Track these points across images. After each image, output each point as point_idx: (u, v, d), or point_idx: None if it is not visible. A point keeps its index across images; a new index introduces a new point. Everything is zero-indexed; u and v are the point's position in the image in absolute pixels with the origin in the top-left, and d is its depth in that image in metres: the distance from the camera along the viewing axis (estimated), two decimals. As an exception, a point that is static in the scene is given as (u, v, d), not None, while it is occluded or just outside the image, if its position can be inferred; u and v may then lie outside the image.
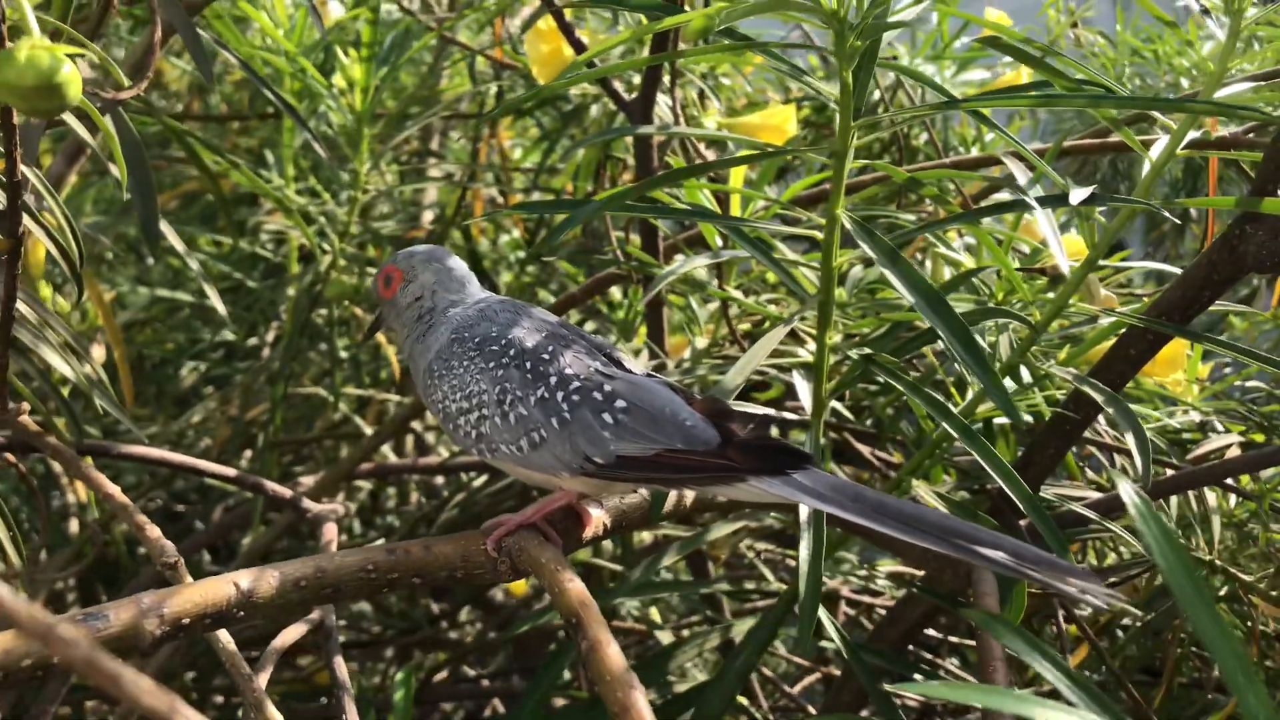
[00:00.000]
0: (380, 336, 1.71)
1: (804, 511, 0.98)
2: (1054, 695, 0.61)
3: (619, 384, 0.77)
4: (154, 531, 0.83)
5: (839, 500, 0.72)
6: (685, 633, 1.62)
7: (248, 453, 1.84)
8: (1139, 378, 1.32)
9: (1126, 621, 1.47)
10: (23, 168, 0.71)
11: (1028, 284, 1.24)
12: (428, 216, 2.04)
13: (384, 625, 2.00)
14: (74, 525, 1.73)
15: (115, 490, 0.85)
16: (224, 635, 0.82)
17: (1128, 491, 0.61)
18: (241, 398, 1.63)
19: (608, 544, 1.67)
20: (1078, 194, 0.95)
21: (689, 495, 0.92)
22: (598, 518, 0.84)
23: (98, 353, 1.61)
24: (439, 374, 0.80)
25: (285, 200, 1.46)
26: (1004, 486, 0.91)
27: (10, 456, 1.01)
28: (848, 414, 1.54)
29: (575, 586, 0.67)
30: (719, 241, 1.33)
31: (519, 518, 0.77)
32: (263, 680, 0.84)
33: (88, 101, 0.76)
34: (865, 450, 1.69)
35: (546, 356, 0.78)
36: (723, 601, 1.52)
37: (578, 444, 0.75)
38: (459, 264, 0.88)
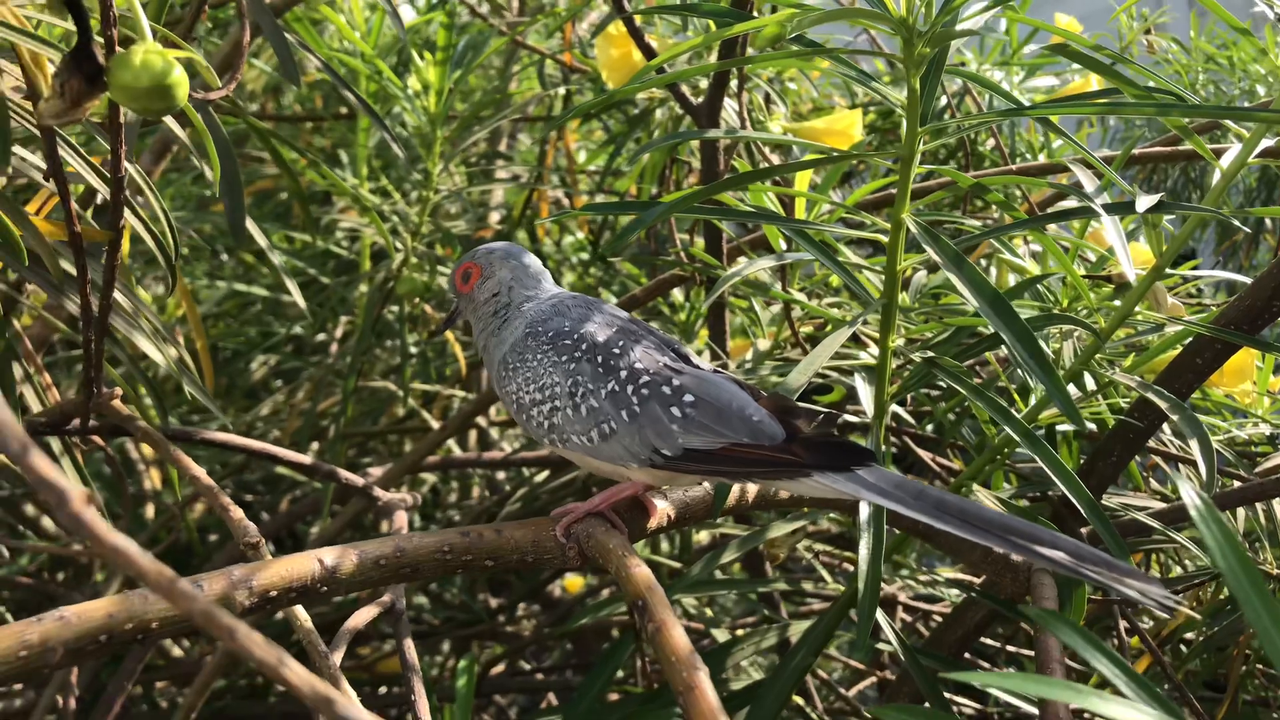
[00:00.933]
0: (448, 334, 1.74)
1: (864, 512, 0.99)
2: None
3: (687, 379, 0.79)
4: (238, 513, 0.87)
5: (901, 497, 0.74)
6: (740, 632, 1.63)
7: (315, 445, 1.89)
8: (1207, 389, 1.31)
9: (1190, 635, 1.46)
10: (125, 164, 0.75)
11: (1094, 291, 1.24)
12: (495, 217, 2.08)
13: (443, 618, 2.03)
14: (150, 511, 1.78)
15: (201, 473, 0.89)
16: (302, 614, 0.85)
17: (1189, 494, 0.61)
18: (311, 391, 1.67)
19: (666, 543, 1.69)
20: (1144, 201, 0.95)
21: (751, 490, 0.93)
22: (662, 509, 0.86)
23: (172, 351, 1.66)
24: (513, 367, 0.83)
25: (362, 199, 1.50)
26: (1066, 492, 0.92)
27: (99, 440, 1.06)
28: (909, 418, 1.54)
29: (642, 571, 0.69)
30: (783, 245, 1.35)
31: (587, 506, 0.79)
32: (337, 658, 0.87)
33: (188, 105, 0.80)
34: (926, 456, 1.70)
35: (617, 351, 0.80)
36: (779, 602, 1.53)
37: (646, 436, 0.77)
38: (534, 261, 0.91)
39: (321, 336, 2.03)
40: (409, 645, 0.95)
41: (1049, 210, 1.40)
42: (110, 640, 0.59)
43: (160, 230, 0.81)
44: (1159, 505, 1.28)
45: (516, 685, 1.95)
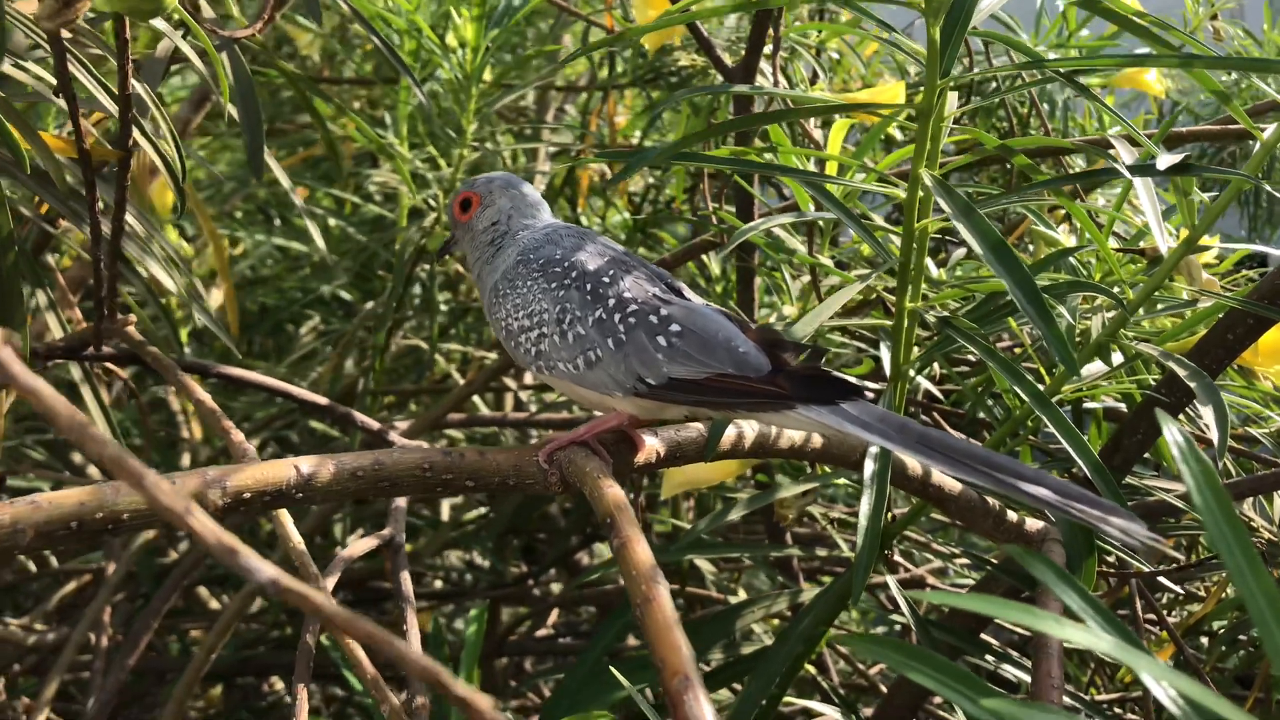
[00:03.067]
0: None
1: (868, 469, 0.98)
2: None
3: (675, 309, 0.79)
4: (238, 436, 0.88)
5: (884, 430, 0.73)
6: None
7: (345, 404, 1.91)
8: (1250, 378, 1.27)
9: (1219, 626, 1.42)
10: (134, 83, 0.76)
11: (1127, 265, 1.21)
12: (540, 184, 2.09)
13: (473, 578, 2.05)
14: (186, 459, 1.82)
15: (206, 396, 0.91)
16: (295, 536, 0.87)
17: (1172, 434, 0.59)
18: (345, 347, 1.69)
19: (689, 506, 1.69)
20: (1165, 159, 0.93)
21: (749, 434, 0.93)
22: (651, 445, 0.86)
23: (216, 296, 1.70)
24: (503, 293, 0.84)
25: (390, 152, 1.51)
26: (1072, 453, 0.90)
27: (114, 368, 1.08)
28: (938, 393, 1.52)
29: (614, 491, 0.69)
30: (811, 209, 1.34)
31: (571, 435, 0.79)
32: (330, 583, 0.88)
33: (206, 37, 0.81)
34: (959, 436, 1.67)
35: (607, 280, 0.80)
36: (797, 570, 1.52)
37: (631, 365, 0.77)
38: (532, 191, 0.91)
39: (370, 305, 2.05)
40: (405, 577, 0.96)
41: (1074, 174, 1.36)
42: (80, 528, 0.60)
43: (169, 151, 0.83)
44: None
45: (541, 648, 1.96)
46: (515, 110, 2.30)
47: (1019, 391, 0.94)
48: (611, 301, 0.79)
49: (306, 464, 0.69)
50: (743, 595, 1.76)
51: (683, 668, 0.57)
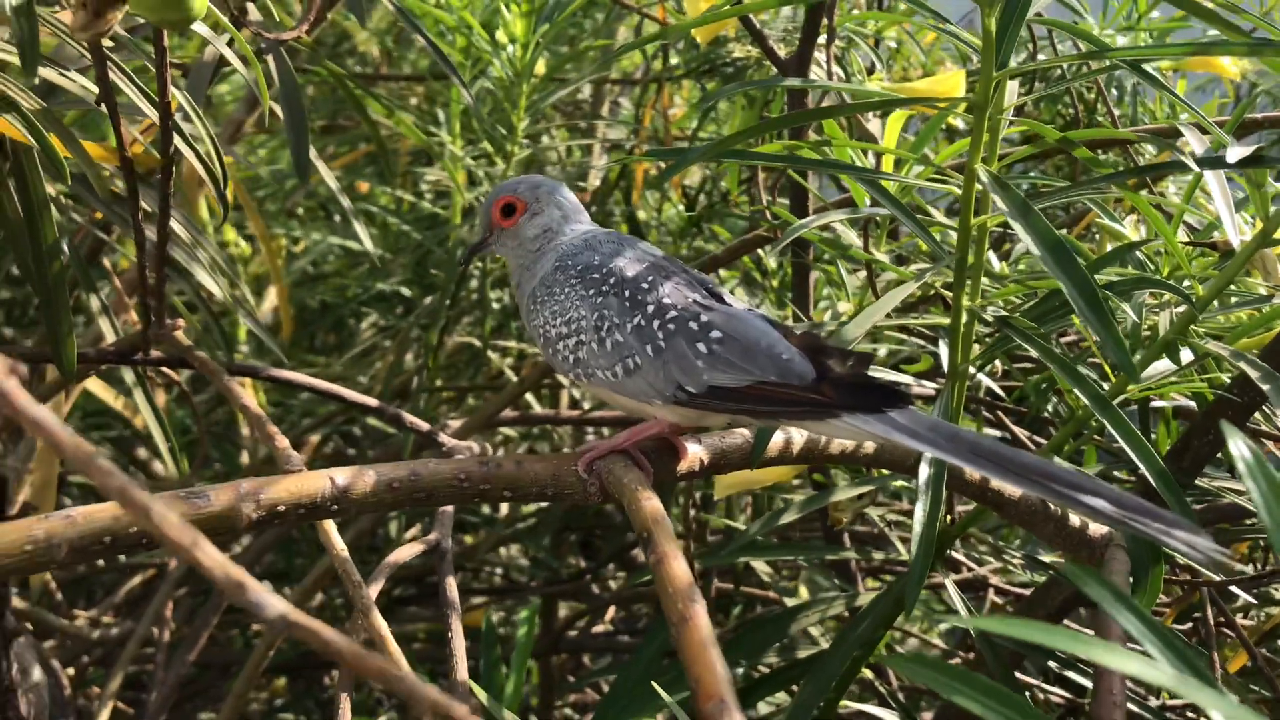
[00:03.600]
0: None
1: (923, 474, 0.96)
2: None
3: (715, 315, 0.77)
4: (283, 442, 0.88)
5: (934, 439, 0.70)
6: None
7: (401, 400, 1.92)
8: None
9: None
10: (173, 90, 0.76)
11: (1198, 259, 1.17)
12: (595, 180, 2.08)
13: (530, 575, 2.05)
14: (245, 457, 1.84)
15: (251, 402, 0.91)
16: (339, 544, 0.86)
17: (1237, 445, 0.56)
18: (400, 344, 1.70)
19: (748, 503, 1.67)
20: (1235, 151, 0.89)
21: (797, 441, 0.90)
22: (695, 453, 0.84)
23: (272, 296, 1.71)
24: (541, 300, 0.82)
25: (448, 154, 1.51)
26: (1133, 456, 0.86)
27: (172, 373, 1.09)
28: (1000, 391, 1.48)
29: (651, 504, 0.68)
30: (867, 203, 1.30)
31: (611, 443, 0.78)
32: (374, 590, 0.88)
33: (244, 41, 0.81)
34: (1022, 433, 1.63)
35: (646, 286, 0.78)
36: (855, 571, 1.49)
37: (671, 372, 0.75)
38: (572, 195, 0.90)
39: (429, 300, 2.06)
40: (450, 583, 0.95)
41: (1140, 166, 1.31)
42: (114, 543, 0.60)
43: (210, 157, 0.83)
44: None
45: (599, 644, 1.96)
46: (571, 104, 2.29)
47: (1073, 386, 0.90)
48: (651, 308, 0.77)
49: (342, 476, 0.69)
50: (804, 595, 1.74)
51: (718, 691, 0.55)
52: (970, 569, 1.65)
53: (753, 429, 0.88)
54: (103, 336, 1.06)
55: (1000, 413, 1.54)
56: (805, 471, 1.50)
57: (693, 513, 1.79)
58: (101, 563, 2.00)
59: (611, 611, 2.09)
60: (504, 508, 1.99)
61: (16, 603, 1.42)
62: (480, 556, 1.91)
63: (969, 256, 1.02)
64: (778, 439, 0.89)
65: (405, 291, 2.08)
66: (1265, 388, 0.93)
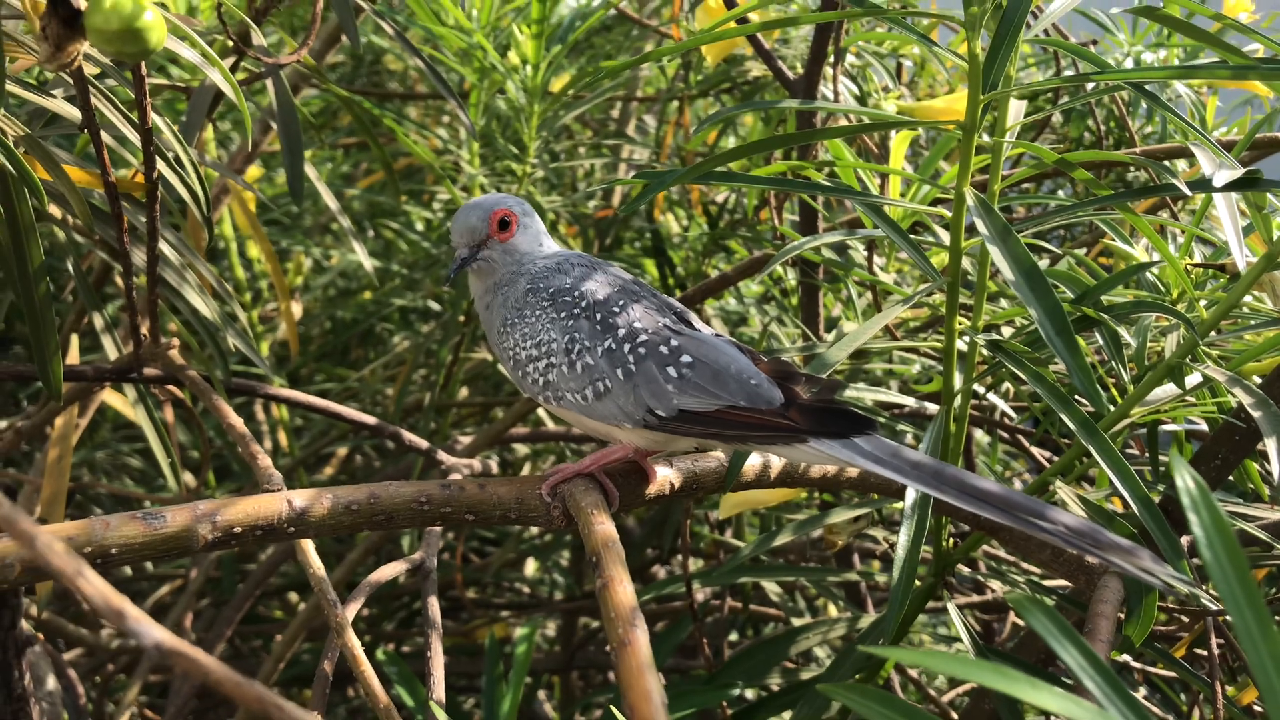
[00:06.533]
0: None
1: (909, 498, 0.95)
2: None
3: (686, 340, 0.77)
4: (265, 460, 0.89)
5: (898, 465, 0.70)
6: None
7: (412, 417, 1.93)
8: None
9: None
10: (153, 116, 0.78)
11: (1211, 281, 1.14)
12: (618, 195, 2.08)
13: (549, 590, 2.06)
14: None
15: (237, 421, 0.92)
16: (315, 562, 0.87)
17: (1182, 474, 0.55)
18: (412, 362, 1.71)
19: (749, 524, 1.66)
20: (1222, 175, 0.87)
21: (775, 465, 0.90)
22: (665, 477, 0.84)
23: (295, 311, 1.74)
24: (511, 322, 0.82)
25: (446, 175, 1.52)
26: (1114, 479, 0.85)
27: (176, 390, 1.11)
28: (1011, 412, 1.46)
29: (604, 529, 0.68)
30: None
31: (577, 466, 0.78)
32: (351, 611, 0.88)
33: (218, 61, 0.83)
34: (1039, 453, 1.61)
35: (616, 310, 0.78)
36: (864, 593, 1.48)
37: (641, 396, 0.75)
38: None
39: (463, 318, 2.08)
40: (433, 603, 0.96)
41: (1135, 189, 1.29)
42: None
43: (192, 180, 0.84)
44: (1276, 516, 1.18)
45: (610, 662, 1.95)
46: (598, 122, 2.30)
47: (1064, 419, 0.89)
48: (621, 331, 0.77)
49: (300, 498, 0.69)
50: (795, 606, 1.73)
51: (651, 717, 0.55)
52: (994, 590, 1.63)
53: (727, 453, 0.87)
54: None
55: (1020, 435, 1.52)
56: (812, 492, 1.49)
57: (711, 533, 1.79)
58: (129, 571, 2.03)
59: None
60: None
61: (40, 614, 1.45)
62: (492, 572, 1.91)
63: (972, 278, 1.01)
64: (754, 462, 0.89)
65: (435, 306, 2.10)
66: (1257, 415, 0.91)
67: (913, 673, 1.60)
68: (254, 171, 1.68)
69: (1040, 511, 0.67)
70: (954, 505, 0.69)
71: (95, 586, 0.38)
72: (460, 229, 0.87)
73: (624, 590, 0.61)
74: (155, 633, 0.38)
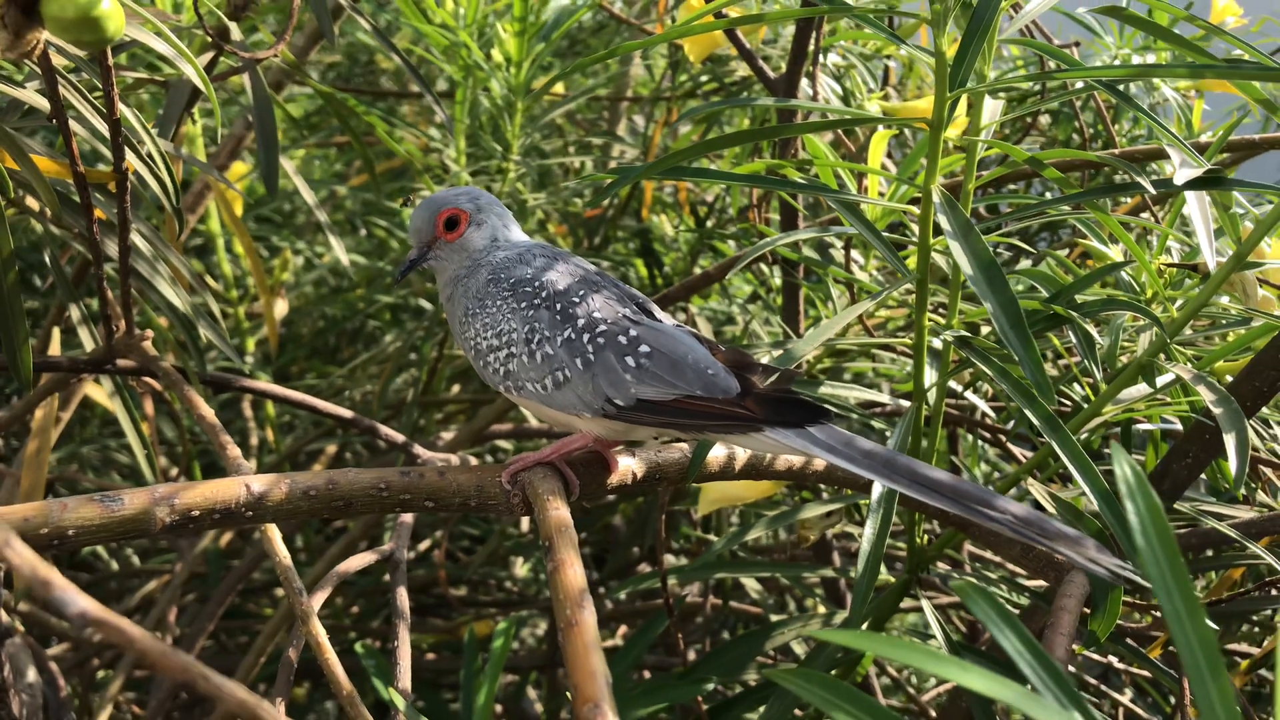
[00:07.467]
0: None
1: (874, 493, 0.95)
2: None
3: (644, 330, 0.77)
4: (234, 451, 0.90)
5: (850, 455, 0.71)
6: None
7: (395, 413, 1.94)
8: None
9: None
10: (121, 107, 0.79)
11: (1187, 280, 1.15)
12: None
13: (537, 589, 2.06)
14: (253, 465, 1.88)
15: (208, 412, 0.93)
16: (281, 551, 0.88)
17: (1121, 464, 0.56)
18: (394, 357, 1.72)
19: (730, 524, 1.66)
20: (1184, 174, 0.88)
21: (740, 456, 0.91)
22: (626, 467, 0.84)
23: (281, 307, 1.75)
24: (472, 312, 0.83)
25: (451, 169, 1.53)
26: (1074, 473, 0.85)
27: (154, 383, 1.12)
28: (990, 411, 1.47)
29: (558, 514, 0.68)
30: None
31: (538, 455, 0.79)
32: (317, 600, 0.89)
33: (188, 54, 0.83)
34: (1018, 451, 1.61)
35: (576, 300, 0.79)
36: (845, 593, 1.48)
37: (600, 385, 0.76)
38: (504, 207, 0.91)
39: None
40: (401, 593, 0.96)
41: (1099, 186, 1.30)
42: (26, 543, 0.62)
43: (162, 171, 0.85)
44: (1246, 515, 1.18)
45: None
46: (589, 123, 2.31)
47: (1029, 415, 0.89)
48: (581, 321, 0.78)
49: (258, 483, 0.70)
50: (776, 602, 1.73)
51: (595, 695, 0.56)
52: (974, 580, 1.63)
53: (691, 443, 0.88)
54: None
55: (1000, 434, 1.53)
56: (792, 487, 1.49)
57: (695, 530, 1.79)
58: (115, 567, 2.04)
59: (625, 627, 2.09)
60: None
61: (15, 604, 1.45)
62: (475, 569, 1.92)
63: (942, 275, 1.02)
64: (719, 453, 0.89)
65: (426, 305, 2.11)
66: (1218, 411, 0.91)
67: (893, 671, 1.61)
68: (240, 168, 1.69)
69: (988, 501, 0.68)
70: (905, 494, 0.69)
71: (23, 556, 0.39)
72: (411, 229, 0.88)
73: (573, 573, 0.61)
74: (81, 602, 0.39)
